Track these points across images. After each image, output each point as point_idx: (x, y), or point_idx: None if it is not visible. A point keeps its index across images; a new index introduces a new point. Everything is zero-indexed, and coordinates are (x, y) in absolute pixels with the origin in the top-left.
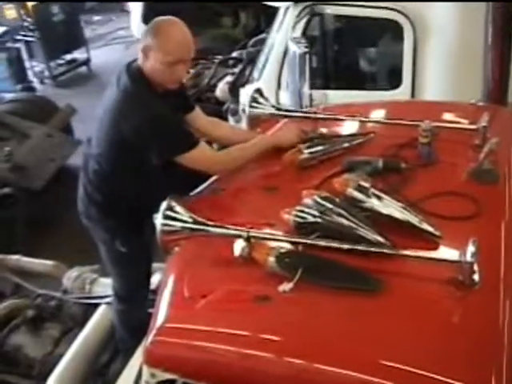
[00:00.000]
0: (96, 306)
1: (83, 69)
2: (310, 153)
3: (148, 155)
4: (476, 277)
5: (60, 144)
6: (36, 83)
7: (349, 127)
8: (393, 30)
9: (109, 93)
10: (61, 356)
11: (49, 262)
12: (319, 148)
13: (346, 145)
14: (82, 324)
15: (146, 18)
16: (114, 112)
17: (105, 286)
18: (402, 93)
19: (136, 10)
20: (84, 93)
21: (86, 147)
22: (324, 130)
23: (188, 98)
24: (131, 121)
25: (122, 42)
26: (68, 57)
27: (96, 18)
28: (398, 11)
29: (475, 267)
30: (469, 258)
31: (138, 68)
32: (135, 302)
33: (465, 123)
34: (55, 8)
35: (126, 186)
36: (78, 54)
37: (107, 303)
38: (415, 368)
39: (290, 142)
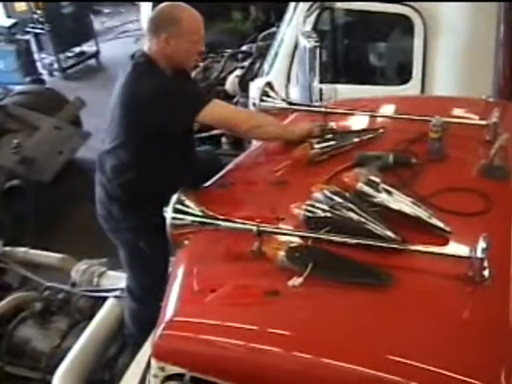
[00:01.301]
0: (104, 299)
1: (92, 61)
2: (321, 148)
3: (169, 128)
4: (486, 272)
5: (69, 137)
6: (45, 75)
7: (359, 122)
8: (403, 25)
9: (116, 86)
10: (68, 349)
11: (57, 255)
12: (330, 143)
13: (356, 140)
14: (89, 317)
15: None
16: (125, 96)
17: (113, 279)
18: (411, 88)
19: (146, 3)
20: (93, 86)
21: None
22: (334, 125)
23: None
24: (146, 94)
25: (131, 36)
26: (77, 49)
27: (106, 10)
28: (410, 6)
29: (485, 263)
30: (479, 253)
31: (144, 54)
32: (150, 300)
33: (475, 119)
34: None
35: (146, 176)
36: (87, 47)
37: (115, 296)
38: (425, 364)
39: (308, 135)
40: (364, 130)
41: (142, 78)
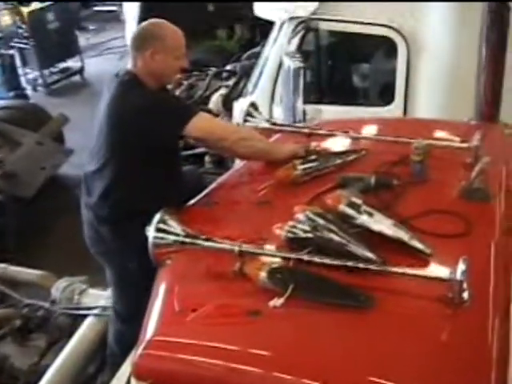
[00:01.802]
0: (84, 317)
1: (77, 78)
2: (304, 169)
3: (157, 142)
4: (466, 295)
5: (51, 153)
6: (29, 91)
7: (342, 143)
8: (387, 47)
9: (101, 105)
10: (47, 367)
11: (37, 272)
12: (313, 164)
13: (339, 161)
14: (69, 335)
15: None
16: (111, 114)
17: (93, 297)
18: (394, 109)
19: (131, 20)
20: (77, 102)
21: (87, 165)
22: (318, 146)
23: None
24: (132, 110)
25: (116, 52)
26: (62, 65)
27: (91, 27)
28: (393, 28)
29: (465, 285)
30: (459, 276)
31: (128, 71)
32: (137, 321)
33: (457, 141)
34: (50, 16)
35: (135, 195)
36: (72, 63)
37: (95, 315)
38: None
39: (295, 156)
40: (347, 152)
41: (127, 94)
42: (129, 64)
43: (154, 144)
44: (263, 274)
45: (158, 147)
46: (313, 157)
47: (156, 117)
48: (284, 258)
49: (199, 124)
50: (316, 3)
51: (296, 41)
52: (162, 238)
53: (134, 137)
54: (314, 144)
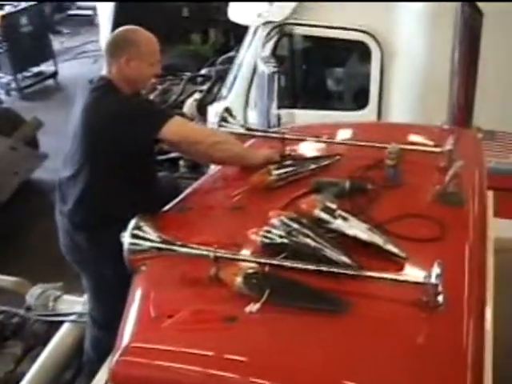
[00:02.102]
0: (59, 323)
1: (50, 82)
2: (279, 174)
3: (132, 146)
4: (440, 298)
5: (25, 157)
6: (2, 95)
7: (316, 148)
8: (361, 52)
9: (75, 111)
10: (23, 374)
11: (12, 278)
12: (288, 169)
13: (314, 166)
14: (44, 342)
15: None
16: (86, 120)
17: (69, 303)
18: (368, 113)
19: (105, 24)
20: (50, 106)
21: (62, 171)
22: (291, 151)
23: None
24: (106, 115)
25: (90, 56)
26: (35, 69)
27: (65, 31)
28: (367, 33)
29: (440, 289)
30: (433, 279)
31: (102, 77)
32: (113, 328)
33: (431, 146)
34: (24, 19)
35: (111, 201)
36: (46, 67)
37: (71, 321)
38: None
39: (271, 161)
40: (321, 157)
41: (102, 100)
42: (103, 70)
43: (129, 149)
44: (239, 280)
45: (133, 152)
46: (287, 162)
47: (131, 121)
48: (259, 264)
49: (174, 127)
50: (290, 8)
51: (270, 45)
52: (137, 245)
53: (108, 142)
54: (288, 149)
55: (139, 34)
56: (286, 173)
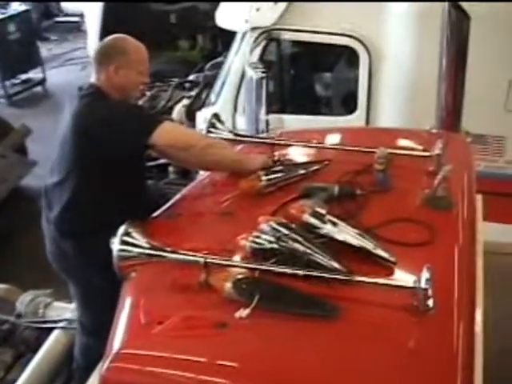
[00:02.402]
0: (50, 330)
1: (38, 89)
2: (269, 179)
3: (123, 152)
4: (430, 302)
5: (14, 165)
6: None
7: (305, 153)
8: (349, 57)
9: (64, 118)
10: (13, 382)
11: (1, 285)
12: (278, 175)
13: (304, 171)
14: (35, 349)
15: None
16: (76, 126)
17: (59, 310)
18: (357, 118)
19: (93, 30)
20: (39, 113)
21: (48, 177)
22: (281, 156)
23: None
24: (96, 121)
25: (78, 63)
26: (23, 76)
27: (53, 37)
28: (355, 38)
29: (429, 293)
30: (423, 284)
31: (92, 84)
32: (103, 335)
33: (419, 150)
34: (11, 26)
35: (99, 208)
36: (34, 74)
37: (61, 328)
38: None
39: (259, 167)
40: (311, 162)
41: (92, 106)
42: (92, 77)
43: (119, 155)
44: (229, 285)
45: (122, 159)
46: (277, 168)
47: (121, 127)
48: (249, 269)
49: (165, 132)
50: (277, 13)
51: (258, 51)
52: (126, 251)
53: (98, 148)
54: (278, 154)
55: (128, 42)
56: (275, 178)
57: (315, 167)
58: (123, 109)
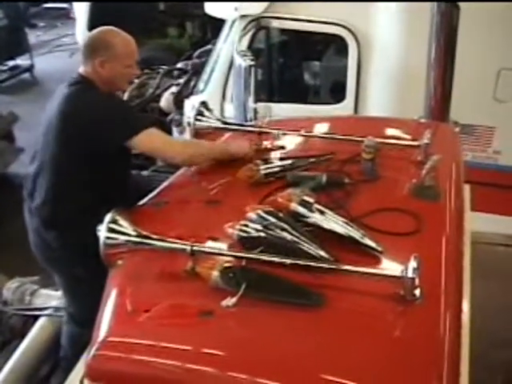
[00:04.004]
0: (36, 317)
1: (26, 75)
2: (267, 168)
3: (102, 146)
4: (417, 292)
5: (1, 151)
6: None
7: (293, 142)
8: (338, 45)
9: (50, 107)
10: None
11: None
12: (276, 164)
13: (303, 163)
14: (21, 336)
15: (92, 26)
16: (62, 115)
17: (45, 297)
18: (345, 107)
19: (81, 17)
20: (26, 100)
21: (30, 166)
22: (270, 145)
23: None
24: (84, 110)
25: (66, 50)
26: (11, 63)
27: (41, 24)
28: (344, 26)
29: (416, 282)
30: (410, 273)
31: (80, 75)
32: (91, 324)
33: (407, 140)
34: None
35: (82, 197)
36: (22, 61)
37: (48, 315)
38: (357, 383)
39: (243, 155)
40: (312, 156)
41: (79, 94)
42: (80, 67)
43: (98, 148)
44: (215, 274)
45: (103, 151)
46: (276, 157)
47: (105, 122)
48: (236, 258)
49: (146, 139)
50: (267, 1)
51: (247, 39)
52: (113, 239)
53: (81, 135)
54: (266, 143)
55: (115, 35)
56: (273, 168)
57: (317, 159)
58: (112, 104)
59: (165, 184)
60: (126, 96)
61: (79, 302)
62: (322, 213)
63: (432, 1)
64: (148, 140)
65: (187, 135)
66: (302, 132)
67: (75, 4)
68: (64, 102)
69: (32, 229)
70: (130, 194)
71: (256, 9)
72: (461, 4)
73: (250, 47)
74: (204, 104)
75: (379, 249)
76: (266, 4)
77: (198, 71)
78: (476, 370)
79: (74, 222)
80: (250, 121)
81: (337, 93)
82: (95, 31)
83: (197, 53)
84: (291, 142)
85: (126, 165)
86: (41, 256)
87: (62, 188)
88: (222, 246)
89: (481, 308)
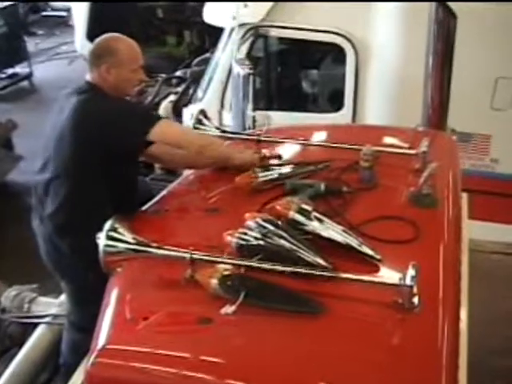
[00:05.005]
0: (35, 325)
1: (25, 83)
2: (265, 176)
3: (121, 148)
4: (416, 300)
5: (0, 159)
6: None
7: (292, 150)
8: (336, 54)
9: (58, 117)
10: None
11: None
12: (274, 172)
13: (302, 170)
14: (20, 344)
15: (91, 34)
16: (74, 123)
17: (44, 305)
18: (343, 115)
19: (80, 25)
20: (25, 108)
21: (39, 174)
22: (271, 153)
23: None
24: (97, 116)
25: (65, 57)
26: (10, 71)
27: (40, 32)
28: (341, 35)
29: (415, 290)
30: (408, 281)
31: (88, 82)
32: (93, 331)
33: (405, 148)
34: None
35: (96, 204)
36: (20, 69)
37: (46, 323)
38: None
39: (251, 165)
40: (310, 163)
41: (91, 102)
42: (87, 75)
43: (118, 152)
44: (214, 282)
45: (121, 155)
46: (273, 165)
47: (122, 124)
48: (235, 265)
49: (163, 130)
50: (265, 10)
51: (245, 47)
52: (112, 246)
53: (98, 144)
54: (267, 151)
55: (119, 41)
56: (271, 175)
57: (313, 168)
58: (123, 106)
59: (164, 192)
60: None
61: (84, 309)
62: (320, 221)
63: (429, 0)
64: (165, 129)
65: None
66: (301, 140)
67: (74, 12)
68: (77, 110)
69: (43, 236)
70: (135, 202)
71: (254, 17)
72: (458, 13)
73: (248, 56)
74: (202, 112)
75: (377, 257)
76: (264, 13)
77: (196, 79)
78: (475, 376)
79: (87, 228)
80: (249, 129)
81: (335, 101)
82: (99, 39)
83: (195, 61)
84: (289, 150)
85: (137, 169)
86: (52, 263)
87: (78, 194)
88: (221, 254)
89: (479, 315)
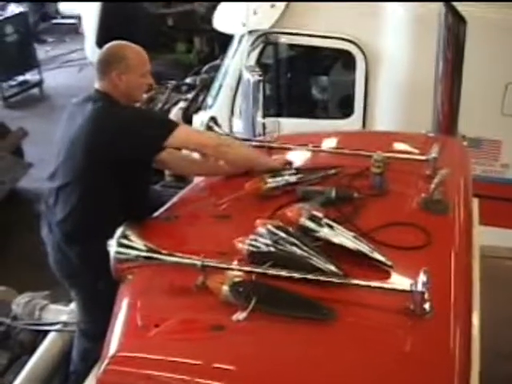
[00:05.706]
0: (46, 332)
1: (35, 91)
2: (274, 182)
3: (140, 155)
4: (427, 306)
5: (10, 167)
6: None
7: (302, 157)
8: (345, 60)
9: (68, 124)
10: None
11: None
12: (284, 178)
13: (312, 177)
14: (31, 351)
15: (101, 41)
16: (90, 132)
17: (55, 312)
18: (353, 122)
19: (90, 32)
20: (35, 115)
21: (49, 181)
22: (285, 160)
23: None
24: (112, 124)
25: (75, 65)
26: (20, 78)
27: (50, 39)
28: (351, 41)
29: (426, 296)
30: (420, 287)
31: (98, 91)
32: (104, 338)
33: (416, 154)
34: (9, 28)
35: (107, 212)
36: (31, 76)
37: (57, 330)
38: None
39: (274, 170)
40: (319, 169)
41: (104, 110)
42: (96, 83)
43: (135, 159)
44: (226, 288)
45: (137, 162)
46: (284, 171)
47: (139, 131)
48: (246, 272)
49: (181, 134)
50: (275, 16)
51: (255, 54)
52: (123, 253)
53: (114, 152)
54: (283, 158)
55: (126, 47)
56: (281, 181)
57: (323, 174)
58: (139, 113)
59: (175, 198)
60: None
61: (95, 317)
62: (331, 227)
63: (438, 0)
64: (183, 135)
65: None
66: (311, 147)
67: (84, 19)
68: (93, 118)
69: (52, 244)
70: (146, 210)
71: (264, 24)
72: (468, 18)
73: (258, 62)
74: (213, 119)
75: (388, 263)
76: (273, 19)
77: (206, 86)
78: (483, 381)
79: (96, 235)
80: (259, 136)
81: (345, 107)
82: (105, 47)
83: (205, 68)
84: (300, 156)
85: (149, 176)
86: (61, 272)
87: (88, 201)
88: (232, 260)
89: (489, 321)
